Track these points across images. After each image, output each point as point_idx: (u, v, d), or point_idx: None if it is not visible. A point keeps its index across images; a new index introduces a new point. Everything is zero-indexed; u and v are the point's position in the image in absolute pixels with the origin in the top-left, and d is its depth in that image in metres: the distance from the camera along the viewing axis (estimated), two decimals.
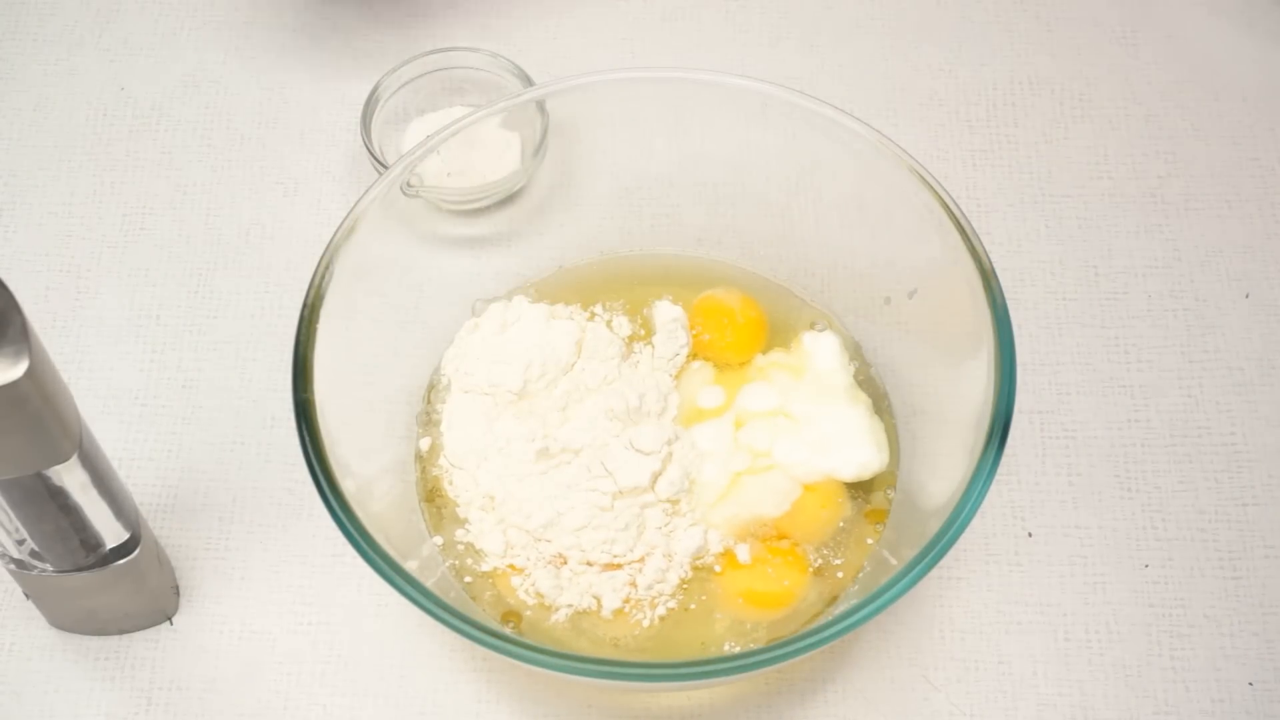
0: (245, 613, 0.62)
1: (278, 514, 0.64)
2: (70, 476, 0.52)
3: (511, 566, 0.59)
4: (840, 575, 0.59)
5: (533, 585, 0.58)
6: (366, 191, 0.59)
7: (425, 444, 0.62)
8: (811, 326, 0.65)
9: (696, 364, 0.64)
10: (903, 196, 0.59)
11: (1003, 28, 0.78)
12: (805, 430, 0.61)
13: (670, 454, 0.60)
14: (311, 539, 0.64)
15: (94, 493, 0.54)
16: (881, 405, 0.63)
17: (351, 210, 0.58)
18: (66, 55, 0.77)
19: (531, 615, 0.58)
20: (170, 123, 0.75)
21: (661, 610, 0.58)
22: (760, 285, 0.66)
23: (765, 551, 0.59)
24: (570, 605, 0.58)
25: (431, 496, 0.61)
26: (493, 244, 0.66)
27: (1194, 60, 0.77)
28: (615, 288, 0.66)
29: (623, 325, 0.65)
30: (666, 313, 0.64)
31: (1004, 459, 0.54)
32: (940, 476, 0.56)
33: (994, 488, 0.56)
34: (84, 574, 0.57)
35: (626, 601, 0.58)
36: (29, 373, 0.45)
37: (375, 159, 0.70)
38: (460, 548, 0.60)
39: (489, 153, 0.69)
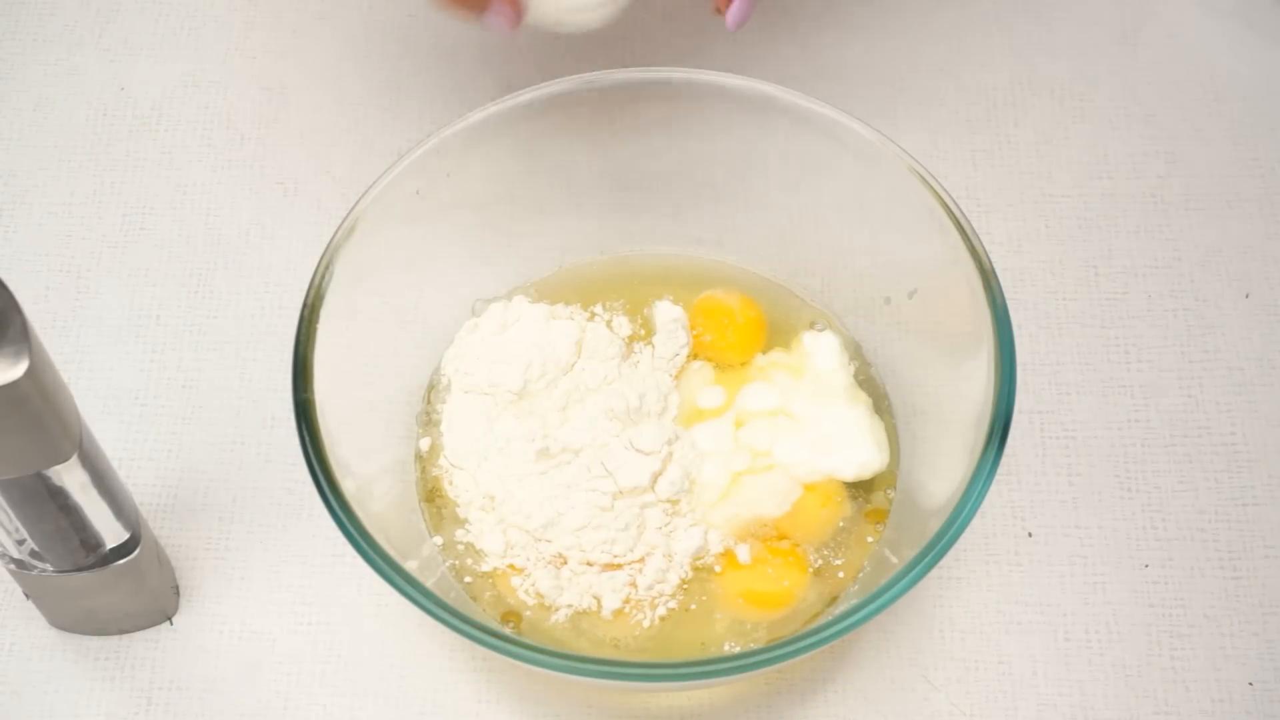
0: (245, 613, 0.62)
1: (278, 514, 0.64)
2: (70, 476, 0.52)
3: (511, 566, 0.59)
4: (840, 575, 0.59)
5: (533, 585, 0.58)
6: (366, 191, 0.59)
7: (425, 444, 0.62)
8: (811, 326, 0.65)
9: (696, 364, 0.64)
10: (903, 196, 0.59)
11: (1003, 28, 0.78)
12: (805, 430, 0.61)
13: (670, 454, 0.60)
14: (311, 539, 0.64)
15: (94, 493, 0.54)
16: (881, 405, 0.63)
17: (351, 210, 0.58)
18: (66, 55, 0.77)
19: (531, 615, 0.58)
20: (170, 123, 0.75)
21: (661, 610, 0.58)
22: (760, 285, 0.66)
23: (765, 551, 0.59)
24: (570, 605, 0.58)
25: (431, 496, 0.61)
26: (493, 244, 0.66)
27: (1194, 60, 0.77)
28: (615, 288, 0.66)
29: (623, 325, 0.65)
30: (666, 313, 0.64)
31: (1004, 459, 0.53)
32: (940, 476, 0.56)
33: (994, 488, 0.56)
34: (84, 574, 0.57)
35: (626, 602, 0.58)
36: (29, 373, 0.45)
37: None
38: (460, 548, 0.60)
39: None
